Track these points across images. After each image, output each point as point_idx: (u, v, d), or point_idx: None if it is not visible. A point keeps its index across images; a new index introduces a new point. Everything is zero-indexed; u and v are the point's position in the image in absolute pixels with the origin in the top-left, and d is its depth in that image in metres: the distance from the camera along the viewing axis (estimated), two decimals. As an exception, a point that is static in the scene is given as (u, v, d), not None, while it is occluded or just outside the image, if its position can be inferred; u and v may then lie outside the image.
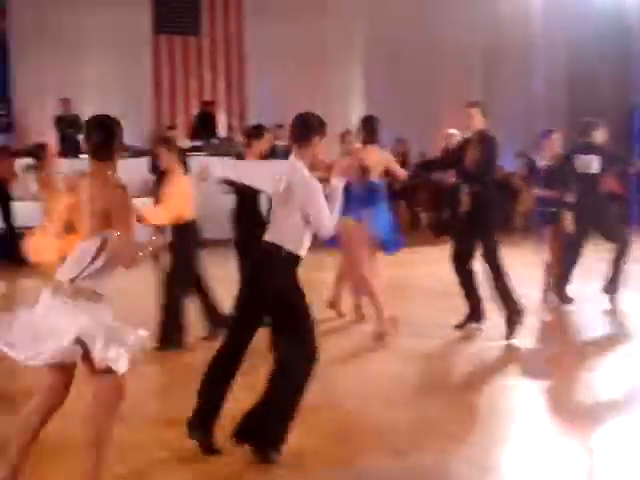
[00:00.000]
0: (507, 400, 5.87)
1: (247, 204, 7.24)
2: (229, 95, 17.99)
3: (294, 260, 4.67)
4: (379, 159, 7.68)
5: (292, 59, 17.94)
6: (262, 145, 7.61)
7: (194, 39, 17.71)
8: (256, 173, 5.39)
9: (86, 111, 16.46)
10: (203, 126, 16.42)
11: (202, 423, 4.67)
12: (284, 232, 4.66)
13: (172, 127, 14.97)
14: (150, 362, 6.49)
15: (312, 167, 4.86)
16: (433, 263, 11.06)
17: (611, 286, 8.87)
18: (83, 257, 3.98)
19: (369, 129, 7.79)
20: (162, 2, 17.37)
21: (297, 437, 4.77)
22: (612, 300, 8.86)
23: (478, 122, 7.54)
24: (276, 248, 4.64)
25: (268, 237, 4.72)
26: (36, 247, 6.48)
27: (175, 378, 6.51)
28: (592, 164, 8.80)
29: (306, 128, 4.77)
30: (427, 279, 10.57)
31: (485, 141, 7.44)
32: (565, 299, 8.92)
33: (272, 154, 13.62)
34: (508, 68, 19.76)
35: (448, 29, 19.07)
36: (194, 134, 16.28)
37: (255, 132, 7.73)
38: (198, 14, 17.65)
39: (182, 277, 7.15)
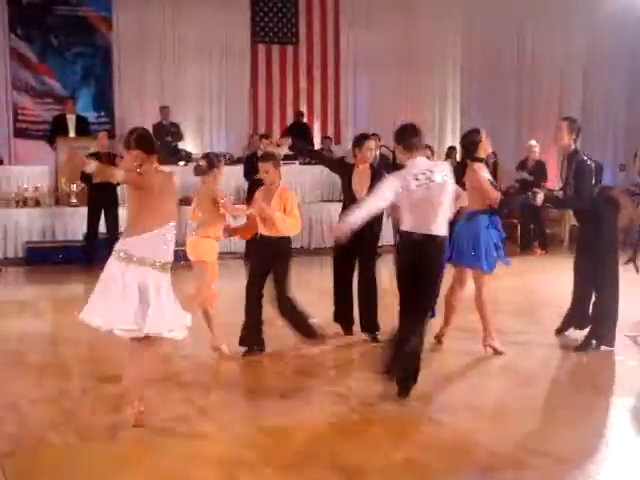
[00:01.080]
0: (606, 417, 5.76)
1: None
2: (324, 104, 18.11)
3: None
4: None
5: (387, 67, 18.00)
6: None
7: (291, 48, 17.90)
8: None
9: (185, 119, 16.90)
10: (297, 135, 16.57)
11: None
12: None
13: (266, 136, 15.15)
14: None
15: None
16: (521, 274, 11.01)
17: None
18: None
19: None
20: (260, 11, 17.63)
21: (388, 449, 4.92)
22: None
23: (564, 138, 7.37)
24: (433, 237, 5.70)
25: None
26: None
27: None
28: None
29: None
30: (513, 292, 10.43)
31: (575, 163, 7.25)
32: None
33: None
34: (610, 78, 19.44)
35: (546, 40, 18.85)
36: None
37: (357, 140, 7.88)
38: (295, 23, 17.84)
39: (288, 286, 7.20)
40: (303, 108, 17.78)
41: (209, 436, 5.21)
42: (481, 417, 5.64)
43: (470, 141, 7.31)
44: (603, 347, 7.31)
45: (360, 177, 7.79)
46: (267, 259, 7.08)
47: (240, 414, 5.70)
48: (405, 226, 5.91)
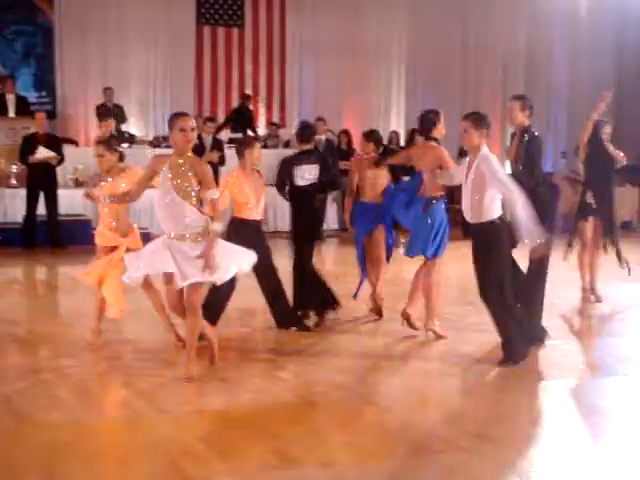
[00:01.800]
0: (544, 401, 5.85)
1: None
2: (270, 87, 18.06)
3: None
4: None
5: (334, 52, 18.01)
6: None
7: (237, 31, 17.79)
8: None
9: (129, 101, 16.71)
10: (240, 118, 16.49)
11: None
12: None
13: (211, 119, 15.06)
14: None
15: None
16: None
17: None
18: None
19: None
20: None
21: (329, 433, 4.94)
22: None
23: (518, 116, 7.40)
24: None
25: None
26: None
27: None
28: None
29: None
30: (455, 277, 10.53)
31: (527, 139, 7.26)
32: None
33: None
34: (551, 68, 19.75)
35: (490, 26, 19.06)
36: (232, 126, 16.36)
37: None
38: (241, 6, 17.72)
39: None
40: (248, 91, 17.68)
41: (149, 420, 5.17)
42: (422, 401, 5.69)
43: (429, 121, 7.32)
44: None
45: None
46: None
47: (181, 398, 5.66)
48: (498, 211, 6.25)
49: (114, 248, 6.87)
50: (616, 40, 19.90)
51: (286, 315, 7.55)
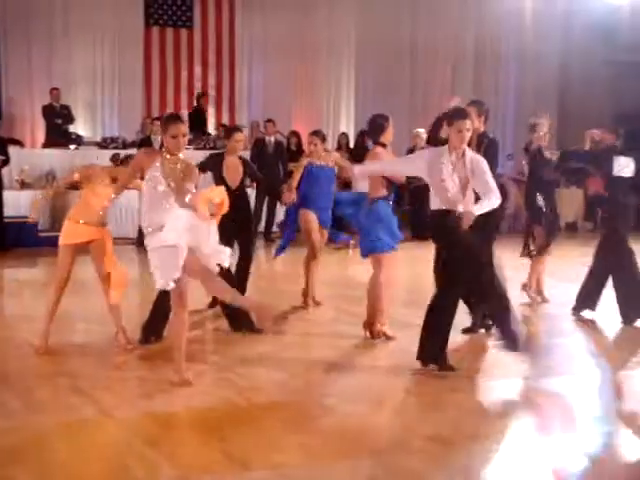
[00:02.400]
0: (495, 401, 5.90)
1: None
2: (219, 89, 18.00)
3: None
4: None
5: (283, 53, 18.02)
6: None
7: (185, 31, 17.70)
8: None
9: (76, 102, 16.55)
10: (196, 121, 16.40)
11: None
12: None
13: (158, 119, 14.99)
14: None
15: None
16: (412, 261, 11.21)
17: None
18: None
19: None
20: (154, -6, 17.36)
21: (279, 435, 4.94)
22: None
23: (474, 122, 7.44)
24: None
25: None
26: None
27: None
28: None
29: None
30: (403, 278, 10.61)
31: (485, 143, 7.33)
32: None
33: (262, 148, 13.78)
34: (499, 68, 20.01)
35: (439, 28, 19.23)
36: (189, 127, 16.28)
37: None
38: (190, 7, 17.64)
39: None
40: (199, 92, 17.60)
41: (97, 424, 5.13)
42: (372, 403, 5.70)
43: (377, 125, 7.33)
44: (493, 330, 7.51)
45: (229, 168, 7.93)
46: None
47: (129, 401, 5.63)
48: None
49: (84, 244, 6.77)
50: (562, 43, 20.19)
51: (239, 316, 7.52)
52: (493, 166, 6.96)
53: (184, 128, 5.72)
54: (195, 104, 17.20)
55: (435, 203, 6.29)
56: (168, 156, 5.71)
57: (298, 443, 4.81)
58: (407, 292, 9.88)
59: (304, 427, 5.16)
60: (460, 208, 6.14)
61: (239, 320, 7.46)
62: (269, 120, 15.24)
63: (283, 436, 4.94)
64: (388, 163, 7.09)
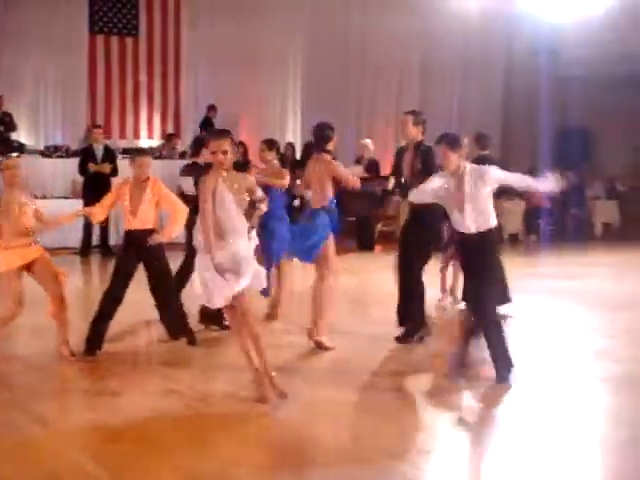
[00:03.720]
0: (439, 412, 5.92)
1: None
2: (165, 98, 17.88)
3: None
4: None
5: (230, 63, 17.97)
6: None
7: (131, 40, 17.56)
8: None
9: (19, 109, 16.30)
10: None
11: None
12: None
13: (98, 126, 14.89)
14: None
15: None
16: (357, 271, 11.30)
17: None
18: None
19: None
20: (99, 1, 17.19)
21: (223, 445, 4.88)
22: None
23: (411, 130, 7.52)
24: None
25: None
26: None
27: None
28: None
29: None
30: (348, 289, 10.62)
31: (422, 152, 7.36)
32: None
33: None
34: (445, 81, 20.25)
35: (385, 43, 19.39)
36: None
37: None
38: (136, 15, 17.52)
39: None
40: (143, 101, 17.51)
41: (36, 438, 5.03)
42: (313, 412, 5.68)
43: (324, 134, 7.30)
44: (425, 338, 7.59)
45: None
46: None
47: (70, 414, 5.54)
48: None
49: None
50: (506, 58, 20.52)
51: (177, 325, 7.45)
52: (432, 173, 7.01)
53: (225, 145, 5.52)
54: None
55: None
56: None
57: (246, 455, 4.78)
58: (352, 302, 9.90)
59: (252, 439, 5.12)
60: None
61: (177, 327, 7.37)
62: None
63: (231, 448, 4.89)
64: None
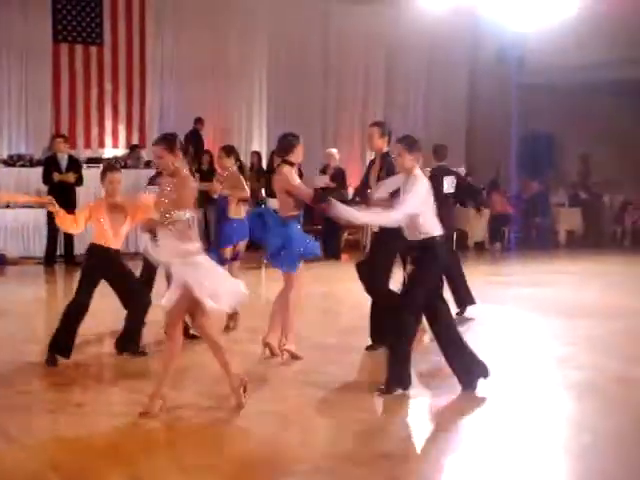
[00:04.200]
0: (405, 419, 5.95)
1: None
2: (130, 106, 17.80)
3: None
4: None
5: (194, 71, 17.97)
6: None
7: (95, 48, 17.47)
8: None
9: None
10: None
11: None
12: None
13: (62, 135, 14.79)
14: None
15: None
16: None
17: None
18: None
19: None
20: (63, 9, 17.08)
21: (190, 458, 4.86)
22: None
23: (377, 142, 7.56)
24: None
25: None
26: None
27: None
28: (454, 185, 9.39)
29: None
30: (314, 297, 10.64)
31: (388, 162, 7.39)
32: None
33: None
34: (409, 87, 20.42)
35: (350, 46, 19.50)
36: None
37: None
38: (100, 23, 17.42)
39: None
40: (108, 110, 17.41)
41: (2, 451, 4.99)
42: (282, 423, 5.68)
43: (287, 143, 7.26)
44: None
45: None
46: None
47: (33, 425, 5.50)
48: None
49: None
50: (470, 64, 20.70)
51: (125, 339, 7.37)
52: None
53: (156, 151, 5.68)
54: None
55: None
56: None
57: (209, 466, 4.76)
58: (321, 311, 9.92)
59: (218, 450, 5.11)
60: None
61: (124, 341, 7.31)
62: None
63: (195, 459, 4.87)
64: None
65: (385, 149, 7.53)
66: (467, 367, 6.32)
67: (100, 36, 17.42)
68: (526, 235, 18.80)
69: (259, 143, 18.83)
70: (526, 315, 9.76)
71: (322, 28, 19.40)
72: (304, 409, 6.01)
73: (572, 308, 10.11)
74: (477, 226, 17.76)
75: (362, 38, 19.63)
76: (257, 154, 17.31)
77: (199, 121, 17.24)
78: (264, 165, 17.15)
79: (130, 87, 17.76)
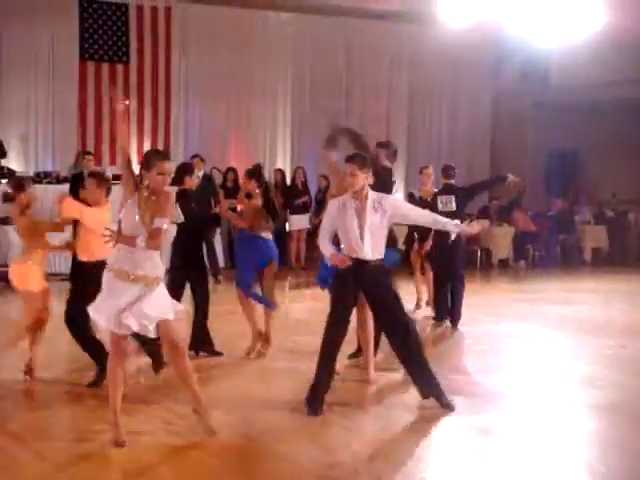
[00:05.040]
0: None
1: None
2: (155, 125, 17.93)
3: None
4: None
5: (219, 89, 18.08)
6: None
7: (121, 67, 17.64)
8: None
9: (9, 136, 16.33)
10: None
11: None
12: None
13: (88, 153, 14.88)
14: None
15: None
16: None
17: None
18: None
19: None
20: (90, 28, 17.28)
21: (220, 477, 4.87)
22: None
23: (383, 163, 7.60)
24: None
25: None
26: None
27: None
28: (451, 204, 9.74)
29: None
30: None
31: (380, 171, 7.36)
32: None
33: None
34: (433, 106, 20.39)
35: (373, 63, 19.53)
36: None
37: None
38: (126, 42, 17.60)
39: None
40: (133, 128, 17.53)
41: (28, 465, 4.98)
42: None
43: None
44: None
45: None
46: None
47: (58, 441, 5.49)
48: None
49: None
50: (493, 83, 20.66)
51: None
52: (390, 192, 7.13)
53: (171, 165, 5.50)
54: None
55: None
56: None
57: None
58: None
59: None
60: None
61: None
62: (195, 155, 14.76)
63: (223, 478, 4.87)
64: None
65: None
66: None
67: (126, 54, 17.59)
68: (551, 253, 18.69)
69: (283, 161, 18.89)
70: (551, 333, 9.71)
71: (345, 46, 19.48)
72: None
73: (598, 326, 10.06)
74: (501, 244, 17.69)
75: (385, 55, 19.70)
76: (281, 171, 17.35)
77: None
78: (288, 182, 17.18)
79: (155, 105, 17.90)
